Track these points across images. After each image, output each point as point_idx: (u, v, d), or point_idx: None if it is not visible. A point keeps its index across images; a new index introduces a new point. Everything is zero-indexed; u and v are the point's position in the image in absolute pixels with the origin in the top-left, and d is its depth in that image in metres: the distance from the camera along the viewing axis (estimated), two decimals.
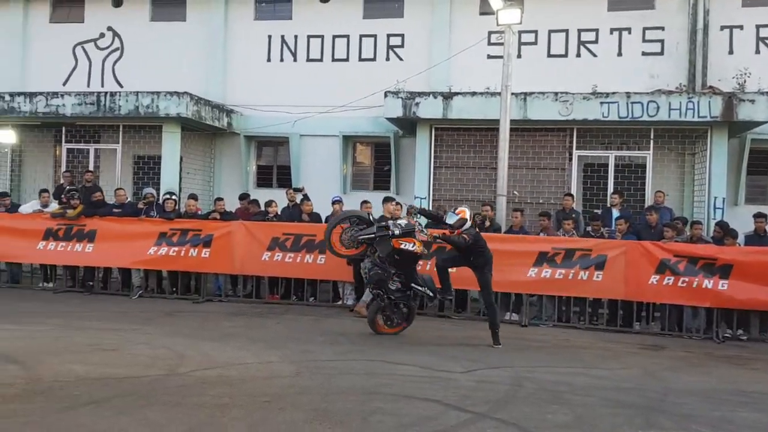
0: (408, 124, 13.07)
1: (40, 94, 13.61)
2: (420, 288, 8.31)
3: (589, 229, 10.49)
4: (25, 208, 12.00)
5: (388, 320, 8.46)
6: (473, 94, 12.19)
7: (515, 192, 12.14)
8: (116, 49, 15.53)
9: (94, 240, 11.18)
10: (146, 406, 5.19)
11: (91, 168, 13.76)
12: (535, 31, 13.65)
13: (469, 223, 8.17)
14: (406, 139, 13.93)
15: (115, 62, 15.52)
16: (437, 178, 12.82)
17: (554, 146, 12.53)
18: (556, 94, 11.93)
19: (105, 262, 11.38)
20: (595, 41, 13.55)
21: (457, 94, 12.29)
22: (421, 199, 12.54)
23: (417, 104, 12.27)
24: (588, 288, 9.75)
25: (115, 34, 15.53)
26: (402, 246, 8.10)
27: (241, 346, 7.54)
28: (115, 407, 5.14)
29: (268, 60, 14.93)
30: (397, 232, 8.05)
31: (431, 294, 8.41)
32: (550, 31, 13.69)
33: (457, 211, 8.15)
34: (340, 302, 10.93)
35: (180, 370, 6.37)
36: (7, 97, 13.64)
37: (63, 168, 14.12)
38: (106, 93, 13.44)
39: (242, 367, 6.57)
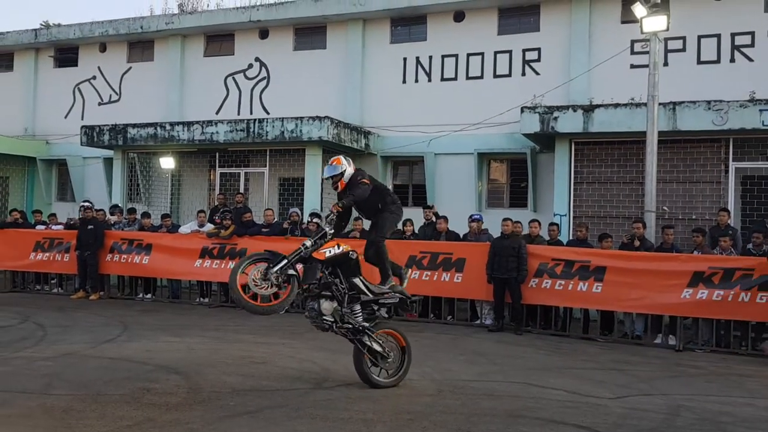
0: (546, 140, 12.77)
1: (197, 122, 14.71)
2: (379, 295, 6.55)
3: (750, 246, 9.66)
4: (184, 229, 12.96)
5: (376, 365, 6.47)
6: (616, 105, 11.69)
7: (664, 207, 11.46)
8: (263, 78, 16.51)
9: (234, 257, 11.84)
10: (295, 418, 5.39)
11: (241, 190, 14.64)
12: (683, 38, 12.90)
13: (350, 169, 6.65)
14: (543, 154, 13.61)
15: (262, 91, 16.50)
16: (578, 194, 12.38)
17: (708, 158, 11.71)
18: (708, 102, 11.16)
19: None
20: (751, 45, 12.57)
21: (598, 106, 11.85)
22: (561, 216, 12.16)
23: (555, 119, 11.95)
24: (751, 311, 8.95)
25: (262, 64, 16.52)
26: (328, 253, 6.27)
27: None
28: (267, 418, 5.38)
29: (404, 81, 15.22)
30: (309, 244, 6.27)
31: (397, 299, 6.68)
32: (700, 37, 12.88)
33: (331, 161, 6.76)
34: (478, 321, 10.80)
35: (326, 384, 6.57)
36: (168, 127, 14.87)
37: (217, 190, 15.14)
38: (254, 120, 14.28)
39: None
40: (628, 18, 12.58)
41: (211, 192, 16.17)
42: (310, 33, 16.21)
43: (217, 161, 15.30)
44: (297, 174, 14.61)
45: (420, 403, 5.97)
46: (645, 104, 10.73)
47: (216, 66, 16.93)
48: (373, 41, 15.53)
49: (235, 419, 5.34)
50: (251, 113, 16.26)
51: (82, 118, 17.78)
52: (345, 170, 6.63)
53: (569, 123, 11.88)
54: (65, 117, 18.37)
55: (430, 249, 10.88)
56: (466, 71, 14.66)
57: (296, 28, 16.26)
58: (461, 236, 11.37)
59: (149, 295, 12.86)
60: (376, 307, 6.58)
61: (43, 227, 14.07)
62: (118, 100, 17.93)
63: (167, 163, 15.56)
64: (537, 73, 14.03)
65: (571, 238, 11.26)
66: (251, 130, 14.08)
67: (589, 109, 11.83)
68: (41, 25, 18.96)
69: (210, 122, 14.61)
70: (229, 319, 10.69)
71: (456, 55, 14.75)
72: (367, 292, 6.49)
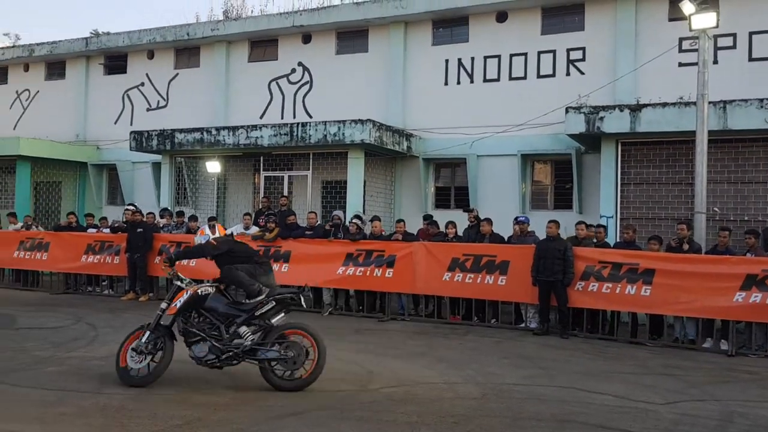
0: (591, 140, 12.57)
1: (241, 127, 14.94)
2: (253, 308, 6.64)
3: None
4: (231, 231, 13.17)
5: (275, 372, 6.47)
6: (664, 105, 11.43)
7: (715, 209, 11.17)
8: (306, 83, 16.68)
9: (289, 260, 11.99)
10: (341, 420, 5.43)
11: (285, 193, 14.82)
12: (734, 34, 12.55)
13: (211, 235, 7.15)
14: (589, 155, 13.41)
15: (305, 95, 16.67)
16: (625, 195, 12.15)
17: (760, 158, 11.36)
18: (760, 101, 10.82)
19: (299, 281, 12.12)
20: None
21: (645, 105, 11.61)
22: (608, 218, 11.95)
23: (601, 119, 11.76)
24: None
25: (305, 69, 16.69)
26: (177, 305, 6.65)
27: (426, 365, 7.65)
28: (313, 419, 5.43)
29: (446, 83, 15.19)
30: (163, 305, 6.71)
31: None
32: (751, 33, 12.51)
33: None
34: (522, 325, 10.69)
35: (370, 387, 6.59)
36: (214, 131, 15.15)
37: (261, 194, 15.36)
38: (297, 124, 14.44)
39: (428, 387, 6.65)
40: (675, 15, 12.32)
41: (255, 195, 16.41)
42: (352, 37, 16.32)
43: (261, 165, 15.51)
44: (339, 177, 14.71)
45: (464, 406, 5.94)
46: (694, 103, 10.47)
47: (260, 71, 17.18)
48: (415, 43, 15.54)
49: (282, 420, 5.41)
50: (294, 117, 16.45)
51: (131, 124, 18.26)
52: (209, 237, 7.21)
53: (616, 123, 11.68)
54: (115, 123, 18.89)
55: (473, 251, 10.83)
56: (509, 72, 14.55)
57: (338, 32, 16.39)
58: (505, 239, 11.28)
59: None
60: (263, 321, 6.62)
61: (94, 230, 14.49)
62: (165, 105, 18.35)
63: (213, 167, 15.85)
64: (582, 73, 13.84)
65: (618, 240, 11.05)
66: (294, 133, 14.24)
67: (636, 108, 11.60)
68: (91, 33, 19.54)
69: (254, 126, 14.81)
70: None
71: (498, 56, 14.66)
72: (240, 313, 6.62)
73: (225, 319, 6.62)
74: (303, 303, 6.90)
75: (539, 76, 14.27)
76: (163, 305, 6.68)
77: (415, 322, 11.02)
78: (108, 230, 14.12)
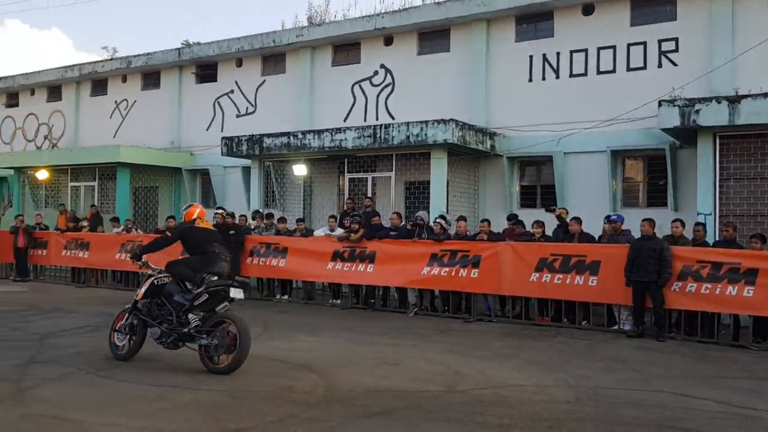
0: (686, 134, 12.01)
1: (326, 130, 15.21)
2: (194, 298, 7.22)
3: None
4: (318, 233, 13.45)
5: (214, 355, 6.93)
6: (766, 95, 10.78)
7: None
8: (388, 84, 16.79)
9: (374, 261, 12.10)
10: (431, 420, 5.42)
11: (369, 194, 14.96)
12: None
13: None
14: (684, 150, 12.84)
15: (388, 96, 16.78)
16: (725, 191, 11.53)
17: None
18: None
19: (384, 281, 12.25)
20: None
21: (745, 96, 10.98)
22: (706, 215, 11.38)
23: (697, 111, 11.21)
24: None
25: (387, 71, 16.80)
26: (141, 291, 7.59)
27: (515, 367, 7.53)
28: (403, 419, 5.45)
29: (530, 80, 14.91)
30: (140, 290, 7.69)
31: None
32: None
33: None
34: (615, 327, 10.34)
35: (458, 388, 6.55)
36: (300, 135, 15.49)
37: (346, 195, 15.58)
38: (380, 125, 14.55)
39: (519, 389, 6.54)
40: None
41: (340, 197, 16.67)
42: (433, 37, 16.30)
43: (345, 167, 15.73)
44: (422, 177, 14.71)
45: (557, 410, 5.81)
46: None
47: (343, 74, 17.43)
48: (498, 41, 15.34)
49: (372, 419, 5.46)
50: (377, 119, 16.59)
51: (222, 130, 18.93)
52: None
53: (713, 116, 11.10)
54: (207, 129, 19.65)
55: (562, 251, 10.57)
56: (596, 66, 14.13)
57: (420, 32, 16.41)
58: (596, 238, 10.96)
59: (286, 296, 13.46)
60: (207, 309, 7.17)
61: None
62: (253, 111, 18.92)
63: (299, 170, 16.21)
64: (674, 64, 13.26)
65: (717, 238, 10.50)
66: (377, 135, 14.35)
67: (735, 100, 11.00)
68: (182, 44, 20.41)
69: (338, 129, 15.04)
70: (362, 321, 10.96)
71: (585, 50, 14.26)
72: (186, 302, 7.22)
73: (178, 306, 7.25)
74: (237, 295, 7.18)
75: (629, 69, 13.78)
76: (138, 291, 7.64)
77: (502, 324, 10.87)
78: None
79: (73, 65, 22.71)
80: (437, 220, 12.03)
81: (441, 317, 11.48)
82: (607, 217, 11.09)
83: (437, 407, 5.81)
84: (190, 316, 7.15)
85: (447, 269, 11.33)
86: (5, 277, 17.73)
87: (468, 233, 12.10)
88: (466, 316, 11.30)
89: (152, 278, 7.52)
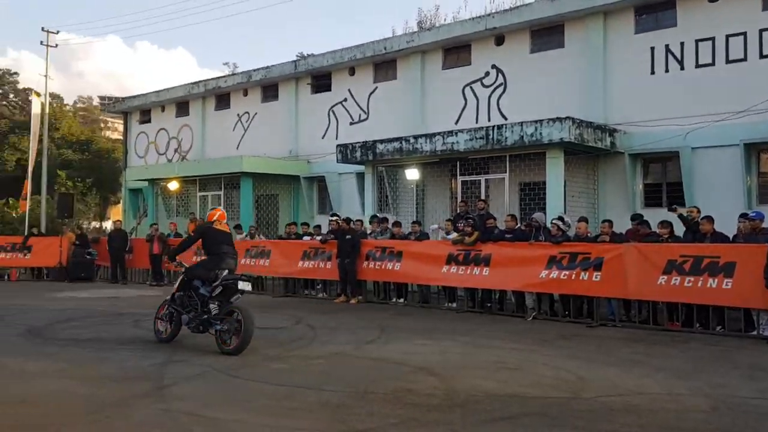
0: None
1: (438, 134, 15.22)
2: (213, 290, 8.53)
3: None
4: (434, 227, 13.48)
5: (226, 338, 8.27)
6: None
7: None
8: (500, 85, 16.57)
9: (489, 264, 11.96)
10: (555, 427, 5.27)
11: (482, 197, 14.81)
12: None
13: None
14: None
15: (499, 97, 16.56)
16: None
17: None
18: None
19: (500, 284, 12.07)
20: None
21: None
22: None
23: None
24: None
25: (499, 71, 16.59)
26: (176, 285, 9.20)
27: (644, 374, 7.17)
28: (527, 425, 5.34)
29: (652, 72, 14.22)
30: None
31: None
32: None
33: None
34: (754, 332, 9.61)
35: (584, 395, 6.33)
36: (412, 140, 15.61)
37: (458, 198, 15.50)
38: (493, 127, 14.37)
39: (649, 397, 6.22)
40: None
41: (452, 200, 16.62)
42: (546, 34, 15.91)
43: (457, 169, 15.66)
44: (538, 178, 14.38)
45: (692, 419, 5.48)
46: None
47: (454, 77, 17.39)
48: (616, 34, 14.74)
49: (495, 424, 5.38)
50: (489, 120, 16.40)
51: (337, 138, 19.43)
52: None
53: None
54: (322, 138, 20.25)
55: (692, 252, 9.96)
56: (725, 54, 13.24)
57: (532, 30, 16.07)
58: (730, 238, 10.25)
59: (402, 300, 13.58)
60: (223, 300, 8.46)
61: (308, 238, 15.62)
62: (366, 118, 19.28)
63: (412, 174, 16.33)
64: None
65: None
66: (490, 137, 14.18)
67: None
68: (298, 56, 21.20)
69: (450, 132, 15.01)
70: (479, 324, 10.85)
71: (712, 38, 13.40)
72: (206, 293, 8.51)
73: (201, 298, 8.55)
74: (245, 287, 8.43)
75: (762, 56, 12.82)
76: (174, 285, 9.14)
77: (627, 329, 10.40)
78: (319, 238, 15.14)
79: (199, 81, 24.15)
80: (554, 222, 11.71)
81: (561, 322, 11.15)
82: (744, 215, 10.35)
83: (563, 414, 5.64)
84: (211, 305, 8.46)
85: (567, 272, 10.99)
86: (143, 281, 19.09)
87: (589, 234, 11.69)
88: (589, 320, 10.91)
89: (183, 275, 8.95)
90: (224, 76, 24.26)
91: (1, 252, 19.69)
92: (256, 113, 22.48)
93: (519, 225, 12.68)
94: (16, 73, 60.89)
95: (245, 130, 22.76)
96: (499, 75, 16.60)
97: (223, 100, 23.76)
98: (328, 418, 5.51)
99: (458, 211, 14.63)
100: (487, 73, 16.80)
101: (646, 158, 14.45)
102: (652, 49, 14.19)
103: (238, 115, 23.05)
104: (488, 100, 16.76)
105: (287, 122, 21.38)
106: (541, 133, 13.38)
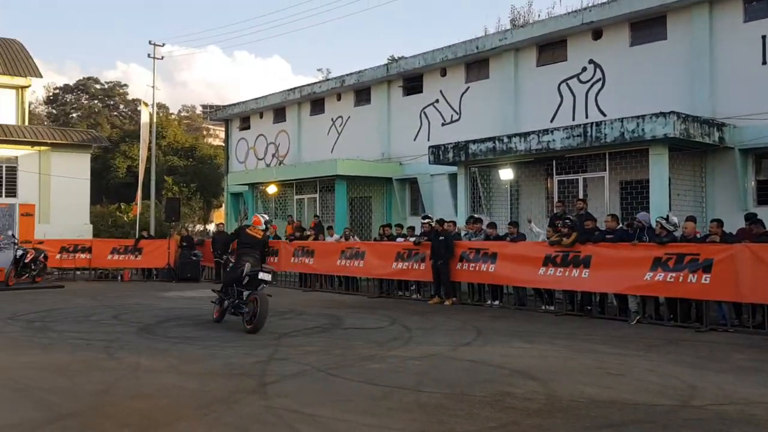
0: None
1: (533, 132, 14.93)
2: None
3: None
4: (529, 236, 13.23)
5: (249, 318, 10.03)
6: None
7: None
8: (598, 80, 16.05)
9: (589, 266, 11.59)
10: None
11: (580, 196, 14.39)
12: None
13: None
14: None
15: (597, 93, 16.05)
16: None
17: None
18: None
19: (601, 287, 11.67)
20: None
21: None
22: None
23: None
24: None
25: (596, 66, 16.08)
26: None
27: (761, 383, 6.74)
28: None
29: (763, 62, 13.39)
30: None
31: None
32: None
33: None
34: None
35: (694, 402, 6.02)
36: (506, 139, 15.38)
37: (555, 198, 15.13)
38: (591, 123, 13.94)
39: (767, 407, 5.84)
40: None
41: (548, 200, 16.24)
42: (647, 26, 15.29)
43: (554, 169, 15.30)
44: (640, 176, 13.82)
45: None
46: None
47: (549, 74, 17.01)
48: (723, 23, 13.97)
49: (599, 431, 5.21)
50: (586, 117, 15.94)
51: (428, 139, 19.46)
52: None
53: None
54: (414, 139, 20.33)
55: None
56: None
57: (632, 23, 15.49)
58: None
59: (497, 302, 13.40)
60: (251, 289, 10.25)
61: (402, 239, 15.71)
62: (458, 119, 19.19)
63: (506, 174, 16.09)
64: None
65: None
66: (588, 134, 13.76)
67: None
68: (389, 59, 21.40)
69: (546, 131, 14.68)
70: (578, 328, 10.55)
71: None
72: (240, 285, 10.43)
73: (238, 287, 10.42)
74: (265, 277, 10.24)
75: None
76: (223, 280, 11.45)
77: (739, 334, 9.81)
78: (413, 239, 15.18)
79: (294, 88, 24.84)
80: (658, 221, 11.20)
81: (667, 326, 10.65)
82: None
83: (672, 423, 5.39)
84: (243, 293, 10.23)
85: (673, 274, 10.48)
86: None
87: (698, 235, 11.11)
88: (697, 325, 10.36)
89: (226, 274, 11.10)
90: (318, 82, 24.84)
91: (115, 254, 20.99)
92: (349, 117, 22.86)
93: (621, 225, 12.22)
94: (125, 85, 64.91)
95: (339, 134, 23.20)
96: (597, 70, 16.08)
97: (317, 105, 24.31)
98: (426, 420, 5.51)
99: (555, 212, 14.28)
100: (584, 69, 16.31)
101: (759, 153, 13.58)
102: (764, 38, 13.35)
103: (332, 119, 23.52)
104: (585, 96, 16.27)
105: (379, 125, 21.60)
106: (643, 129, 12.85)
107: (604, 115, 15.54)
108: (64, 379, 7.03)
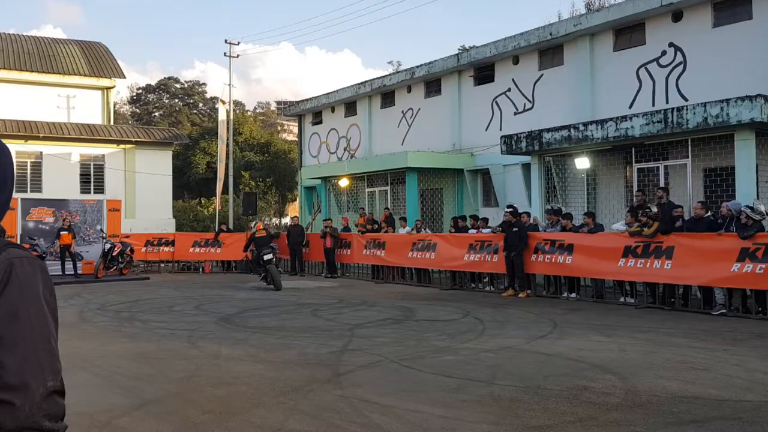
0: None
1: (610, 119, 14.46)
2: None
3: None
4: (617, 227, 12.82)
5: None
6: None
7: None
8: (678, 64, 15.39)
9: (671, 257, 11.17)
10: None
11: (661, 185, 13.86)
12: None
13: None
14: None
15: (678, 77, 15.39)
16: None
17: None
18: None
19: (684, 279, 11.23)
20: None
21: None
22: None
23: None
24: None
25: (677, 49, 15.42)
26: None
27: None
28: (717, 430, 4.93)
29: None
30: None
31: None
32: None
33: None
34: None
35: None
36: (581, 127, 14.97)
37: (634, 187, 14.63)
38: (672, 109, 13.38)
39: None
40: None
41: (627, 189, 15.72)
42: (730, 6, 14.52)
43: (632, 156, 14.79)
44: (725, 163, 13.18)
45: None
46: None
47: (626, 59, 16.44)
48: None
49: (682, 427, 5.03)
50: (667, 102, 15.31)
51: (500, 129, 19.18)
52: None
53: None
54: (485, 130, 20.08)
55: None
56: None
57: (714, 3, 14.75)
58: None
59: (573, 294, 13.10)
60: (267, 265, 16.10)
61: (474, 231, 15.59)
62: (531, 107, 18.83)
63: (582, 163, 15.67)
64: None
65: None
66: (669, 120, 13.22)
67: None
68: (460, 49, 21.18)
69: (624, 117, 14.20)
70: (660, 321, 10.19)
71: None
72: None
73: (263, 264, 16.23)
74: (267, 255, 16.00)
75: None
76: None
77: None
78: (489, 231, 15.03)
79: (365, 81, 24.98)
80: (743, 210, 10.67)
81: (756, 319, 10.14)
82: None
83: (759, 419, 5.14)
84: (267, 267, 15.96)
85: (762, 266, 9.97)
86: (318, 273, 20.18)
87: None
88: None
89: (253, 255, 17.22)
90: (388, 75, 24.89)
91: (197, 247, 21.78)
92: (419, 109, 22.82)
93: (708, 214, 11.70)
94: (204, 84, 67.06)
95: (409, 126, 23.19)
96: (678, 53, 15.41)
97: (388, 98, 24.38)
98: (500, 413, 5.46)
99: (635, 203, 13.80)
100: (664, 52, 15.67)
101: None
102: None
103: (402, 111, 23.54)
104: (666, 80, 15.64)
105: (450, 116, 21.46)
106: (727, 114, 12.24)
107: (686, 100, 14.88)
108: (149, 367, 7.37)
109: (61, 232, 18.65)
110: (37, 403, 1.37)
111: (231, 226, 24.68)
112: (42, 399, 1.38)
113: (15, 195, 20.76)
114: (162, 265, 21.97)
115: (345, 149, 26.29)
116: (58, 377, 1.43)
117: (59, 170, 24.93)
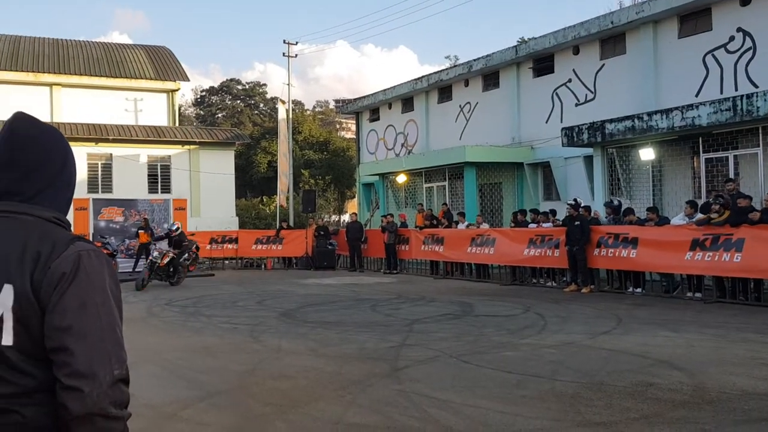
0: None
1: (675, 108, 13.97)
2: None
3: None
4: (675, 221, 12.44)
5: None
6: None
7: None
8: (748, 49, 14.73)
9: (741, 249, 10.72)
10: None
11: (731, 175, 13.31)
12: None
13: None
14: None
15: (747, 63, 14.74)
16: None
17: None
18: None
19: (756, 272, 10.75)
20: None
21: None
22: None
23: None
24: None
25: (746, 34, 14.76)
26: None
27: None
28: None
29: None
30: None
31: None
32: None
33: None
34: None
35: None
36: (645, 117, 14.52)
37: (702, 178, 14.10)
38: (741, 96, 12.82)
39: None
40: None
41: (695, 180, 15.17)
42: None
43: (700, 146, 14.26)
44: None
45: None
46: None
47: (691, 46, 15.84)
48: None
49: (753, 425, 4.84)
50: (736, 90, 14.67)
51: (561, 121, 18.79)
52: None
53: None
54: (546, 122, 19.71)
55: None
56: None
57: None
58: None
59: (639, 289, 12.74)
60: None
61: (534, 225, 15.35)
62: (593, 98, 18.38)
63: (647, 154, 15.21)
64: None
65: None
66: (738, 107, 12.67)
67: None
68: (518, 41, 20.86)
69: (690, 106, 13.69)
70: (730, 316, 9.81)
71: None
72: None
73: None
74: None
75: None
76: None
77: None
78: (550, 225, 14.76)
79: (422, 77, 24.92)
80: None
81: None
82: None
83: None
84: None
85: None
86: (377, 269, 20.28)
87: None
88: None
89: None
90: (445, 69, 24.75)
91: (259, 244, 22.22)
92: (477, 103, 22.60)
93: None
94: (264, 85, 68.27)
95: (467, 121, 23.00)
96: (747, 39, 14.75)
97: (444, 92, 24.24)
98: (562, 409, 5.37)
99: (707, 199, 13.13)
100: (732, 38, 15.02)
101: None
102: None
103: (459, 106, 23.37)
104: (734, 67, 14.99)
105: (509, 109, 21.17)
106: None
107: (756, 86, 14.22)
108: (213, 360, 7.57)
109: (139, 231, 19.45)
110: (104, 390, 1.42)
111: (291, 224, 25.06)
112: (108, 386, 1.43)
113: (87, 195, 21.72)
114: (226, 262, 22.52)
115: (402, 145, 26.30)
116: (124, 366, 1.49)
117: (128, 171, 25.85)
